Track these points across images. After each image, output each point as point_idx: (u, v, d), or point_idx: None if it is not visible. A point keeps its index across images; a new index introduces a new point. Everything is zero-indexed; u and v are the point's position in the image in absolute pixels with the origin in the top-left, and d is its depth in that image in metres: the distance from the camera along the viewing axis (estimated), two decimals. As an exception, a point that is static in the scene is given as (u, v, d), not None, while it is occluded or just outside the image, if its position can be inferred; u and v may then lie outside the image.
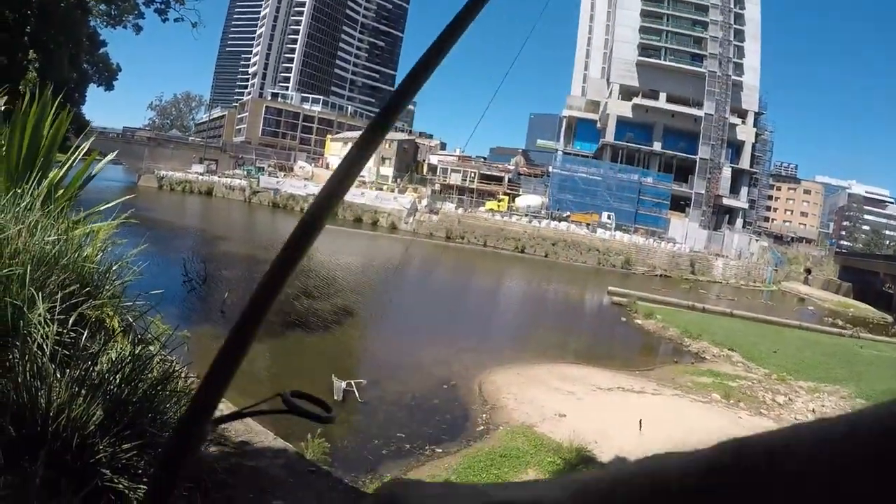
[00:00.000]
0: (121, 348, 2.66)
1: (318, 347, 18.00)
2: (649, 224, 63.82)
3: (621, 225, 60.87)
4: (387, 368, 16.31)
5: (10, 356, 2.13)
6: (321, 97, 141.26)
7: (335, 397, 13.13)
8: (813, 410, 15.47)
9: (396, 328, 21.93)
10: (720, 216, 70.53)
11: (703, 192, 68.93)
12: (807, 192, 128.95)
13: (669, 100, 74.16)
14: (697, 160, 69.91)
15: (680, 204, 68.04)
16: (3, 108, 4.30)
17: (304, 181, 73.77)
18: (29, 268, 2.53)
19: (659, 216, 65.72)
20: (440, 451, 11.17)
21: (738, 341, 23.59)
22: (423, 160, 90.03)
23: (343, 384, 13.54)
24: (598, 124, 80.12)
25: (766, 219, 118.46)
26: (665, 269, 52.17)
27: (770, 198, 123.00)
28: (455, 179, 78.75)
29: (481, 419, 13.06)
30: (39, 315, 2.34)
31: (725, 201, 71.30)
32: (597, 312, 32.80)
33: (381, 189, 72.03)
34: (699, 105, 71.39)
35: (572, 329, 26.00)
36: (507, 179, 77.72)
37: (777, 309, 38.54)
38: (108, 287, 3.30)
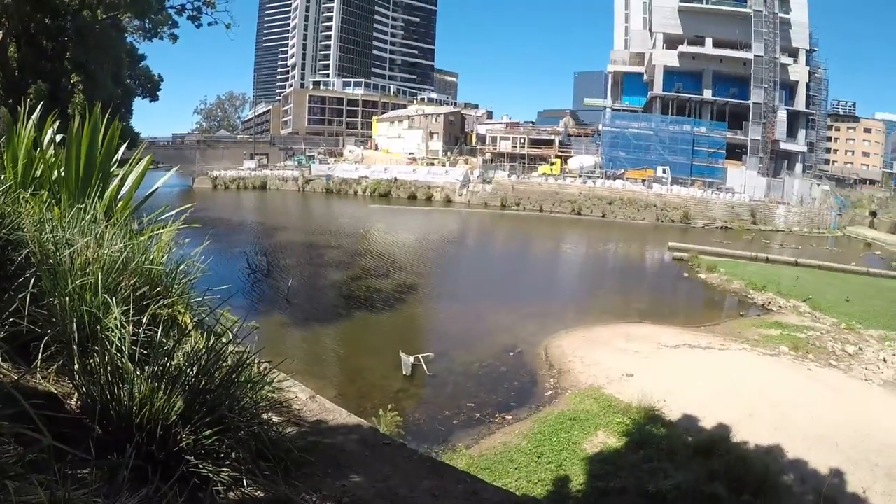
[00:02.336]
0: (195, 342, 2.81)
1: (383, 325, 18.37)
2: (706, 175, 61.78)
3: (677, 178, 59.19)
4: (453, 340, 16.53)
5: (92, 360, 2.28)
6: (362, 80, 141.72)
7: (404, 372, 13.43)
8: (884, 360, 14.83)
9: (459, 300, 22.12)
10: (778, 162, 67.50)
11: (758, 138, 65.99)
12: (867, 130, 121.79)
13: (716, 44, 70.94)
14: (751, 105, 66.84)
15: (736, 152, 65.44)
16: (56, 136, 4.52)
17: (356, 164, 74.62)
18: (100, 276, 2.70)
19: (715, 166, 63.45)
20: (510, 417, 11.31)
21: (805, 291, 22.79)
22: (472, 131, 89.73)
23: (411, 359, 13.83)
24: (645, 77, 77.59)
25: (827, 161, 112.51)
26: (725, 221, 50.66)
27: (829, 139, 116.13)
28: (505, 147, 78.25)
29: (549, 384, 13.13)
30: (115, 319, 2.49)
31: (783, 146, 68.07)
32: (658, 269, 32.21)
33: (433, 164, 72.11)
34: (747, 47, 67.88)
35: (634, 288, 25.66)
36: (557, 142, 76.67)
37: (843, 255, 36.94)
38: (176, 286, 3.47)
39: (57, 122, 4.65)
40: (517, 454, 9.29)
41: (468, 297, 22.45)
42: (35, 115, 4.31)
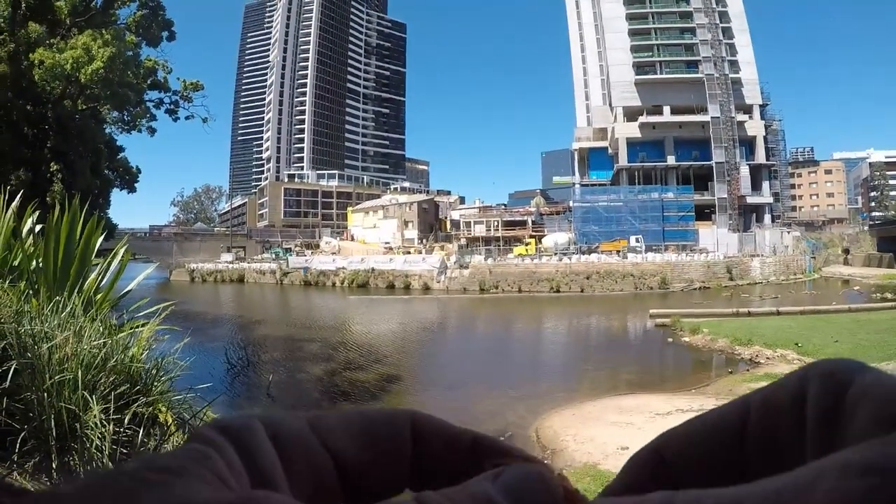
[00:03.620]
0: (176, 442, 2.68)
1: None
2: (678, 239, 63.11)
3: (651, 245, 60.29)
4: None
5: (70, 459, 2.16)
6: (336, 171, 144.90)
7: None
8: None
9: (445, 387, 21.67)
10: (747, 216, 69.57)
11: (725, 196, 68.25)
12: (828, 171, 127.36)
13: (674, 111, 74.45)
14: (714, 165, 69.58)
15: (705, 213, 67.33)
16: (36, 226, 4.47)
17: (332, 255, 74.78)
18: (79, 372, 2.59)
19: (687, 229, 64.98)
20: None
21: (790, 338, 22.89)
22: (446, 217, 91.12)
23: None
24: (610, 150, 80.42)
25: (794, 208, 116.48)
26: (703, 281, 51.31)
27: (793, 186, 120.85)
28: (479, 231, 79.33)
29: (543, 465, 12.72)
30: (94, 417, 2.38)
31: (749, 200, 70.42)
32: (642, 338, 32.14)
33: (409, 252, 72.57)
34: (704, 111, 71.43)
35: (620, 359, 25.45)
36: (530, 222, 78.02)
37: (822, 296, 37.49)
38: (157, 384, 3.35)
39: (36, 212, 4.61)
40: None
41: (453, 385, 22.01)
42: (14, 204, 4.26)
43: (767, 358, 21.26)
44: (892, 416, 0.24)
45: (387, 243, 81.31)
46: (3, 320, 2.78)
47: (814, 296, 39.33)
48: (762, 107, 76.12)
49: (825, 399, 0.25)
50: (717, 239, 61.28)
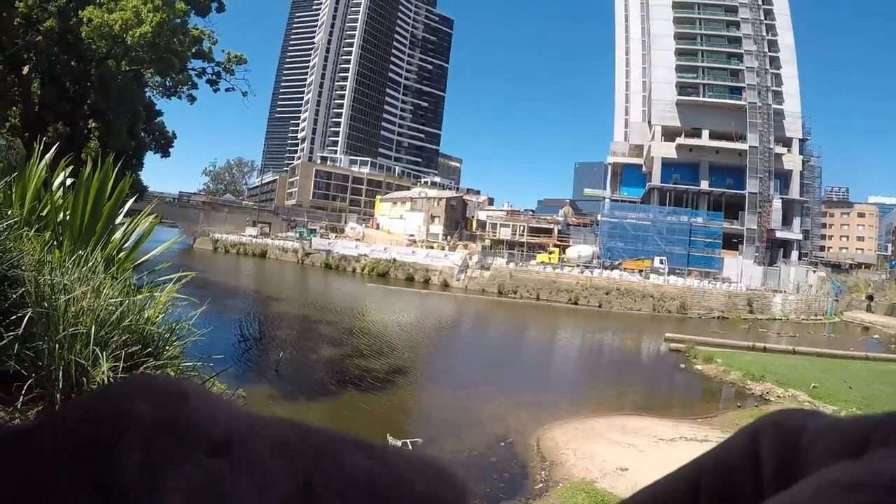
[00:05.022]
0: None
1: (373, 406, 17.90)
2: (702, 265, 62.24)
3: (674, 268, 59.55)
4: (443, 427, 16.09)
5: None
6: (369, 159, 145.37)
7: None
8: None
9: (452, 386, 21.68)
10: (774, 250, 68.44)
11: (754, 227, 67.21)
12: (861, 215, 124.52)
13: (712, 136, 73.51)
14: (746, 195, 68.50)
15: (732, 242, 66.37)
16: (67, 180, 4.53)
17: (356, 242, 75.09)
18: (93, 328, 2.61)
19: (712, 256, 64.10)
20: (499, 509, 10.85)
21: (803, 379, 22.48)
22: (472, 216, 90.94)
23: (399, 444, 13.40)
24: (644, 168, 79.66)
25: (822, 248, 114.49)
26: (722, 311, 50.55)
27: (824, 225, 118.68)
28: (505, 234, 79.04)
29: (540, 476, 12.67)
30: (103, 373, 2.40)
31: (778, 234, 69.26)
32: (654, 360, 31.82)
33: (432, 247, 72.61)
34: (742, 138, 70.41)
35: (630, 379, 25.24)
36: (556, 231, 77.57)
37: (840, 341, 36.80)
38: (168, 348, 3.38)
39: (70, 167, 4.66)
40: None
41: (461, 384, 22.00)
42: (49, 156, 4.32)
43: (778, 396, 20.92)
44: (855, 445, 0.24)
45: (411, 235, 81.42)
46: (24, 268, 2.81)
47: (832, 339, 38.63)
48: (802, 141, 74.78)
49: (780, 449, 0.25)
50: (741, 269, 60.34)
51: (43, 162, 4.26)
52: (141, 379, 0.27)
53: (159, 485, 0.25)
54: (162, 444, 0.25)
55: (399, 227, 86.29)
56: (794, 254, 69.53)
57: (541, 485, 12.19)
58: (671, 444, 14.72)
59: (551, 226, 79.63)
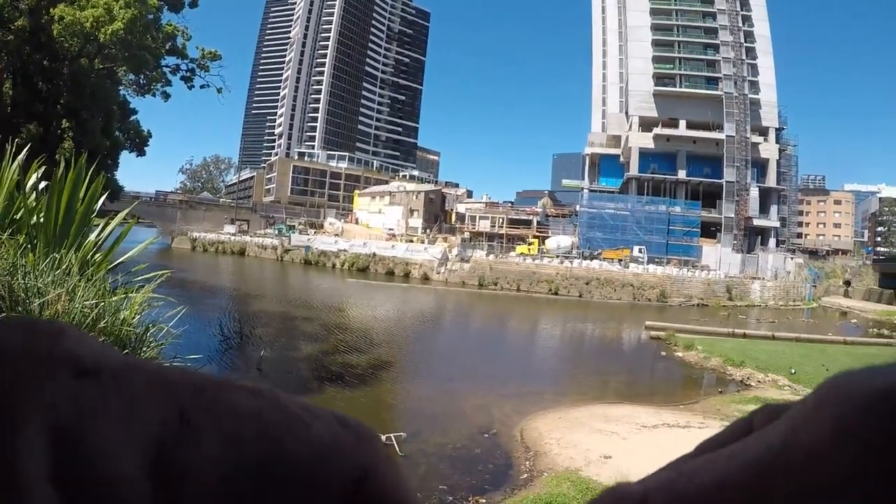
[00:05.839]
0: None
1: (356, 401, 17.86)
2: (681, 254, 62.91)
3: (653, 257, 60.10)
4: (427, 420, 16.09)
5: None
6: (346, 153, 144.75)
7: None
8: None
9: (435, 378, 21.70)
10: (752, 238, 69.42)
11: (732, 215, 68.09)
12: (837, 202, 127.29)
13: (689, 126, 74.21)
14: (724, 184, 69.34)
15: (711, 230, 67.16)
16: (40, 182, 4.45)
17: (335, 237, 74.75)
18: (68, 331, 2.57)
19: (690, 245, 64.83)
20: (483, 501, 10.88)
21: (783, 363, 22.90)
22: (451, 209, 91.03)
23: (383, 438, 13.36)
24: (621, 158, 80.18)
25: (799, 234, 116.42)
26: (701, 298, 51.22)
27: (801, 213, 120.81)
28: (484, 226, 79.23)
29: (524, 466, 12.74)
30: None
31: (756, 222, 70.28)
32: (635, 348, 32.13)
33: (412, 241, 72.49)
34: (719, 128, 71.22)
35: (612, 367, 25.47)
36: (535, 222, 78.03)
37: (819, 326, 37.61)
38: (146, 349, 3.34)
39: (43, 168, 4.58)
40: (492, 538, 8.90)
41: (444, 376, 22.03)
42: (21, 157, 4.23)
43: (759, 381, 21.24)
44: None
45: (390, 230, 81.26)
46: (-3, 272, 2.76)
47: (810, 324, 39.41)
48: (778, 130, 75.82)
49: (771, 418, 0.25)
50: (719, 257, 61.11)
51: (15, 163, 4.18)
52: (23, 317, 0.26)
53: (16, 402, 0.24)
54: (24, 366, 0.25)
55: (378, 221, 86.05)
56: (772, 241, 70.61)
57: (526, 475, 12.26)
58: (654, 431, 14.88)
59: (530, 217, 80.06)
